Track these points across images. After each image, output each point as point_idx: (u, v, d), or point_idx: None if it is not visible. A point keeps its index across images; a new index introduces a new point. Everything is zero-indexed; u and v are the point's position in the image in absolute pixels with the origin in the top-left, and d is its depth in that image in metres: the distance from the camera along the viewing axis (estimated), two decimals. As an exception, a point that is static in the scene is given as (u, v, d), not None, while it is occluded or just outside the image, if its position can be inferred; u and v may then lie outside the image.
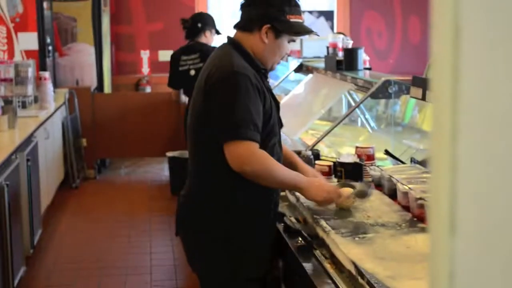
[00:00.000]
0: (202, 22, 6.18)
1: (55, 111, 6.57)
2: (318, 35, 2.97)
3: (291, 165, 2.80)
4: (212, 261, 2.66)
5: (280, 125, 2.76)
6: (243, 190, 2.60)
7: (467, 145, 0.68)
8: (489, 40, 0.68)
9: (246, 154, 2.46)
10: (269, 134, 2.61)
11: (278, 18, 2.62)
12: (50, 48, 7.29)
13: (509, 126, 0.68)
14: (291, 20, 2.64)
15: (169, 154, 7.03)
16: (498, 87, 0.68)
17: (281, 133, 2.80)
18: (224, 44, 2.74)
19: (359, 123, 4.82)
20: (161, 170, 8.12)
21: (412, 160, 3.29)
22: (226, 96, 2.51)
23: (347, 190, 2.72)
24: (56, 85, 7.55)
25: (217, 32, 6.24)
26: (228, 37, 2.74)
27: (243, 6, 2.71)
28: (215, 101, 2.53)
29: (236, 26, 2.73)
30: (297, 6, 2.68)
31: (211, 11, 8.80)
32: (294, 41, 2.74)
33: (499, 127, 0.68)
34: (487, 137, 0.69)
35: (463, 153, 0.68)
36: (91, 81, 8.10)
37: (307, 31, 2.73)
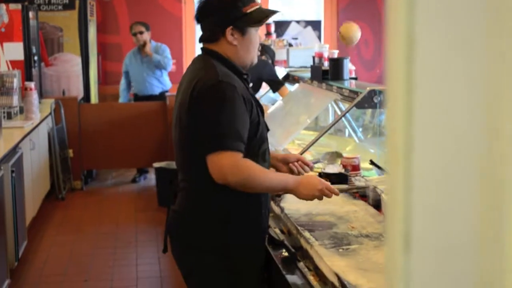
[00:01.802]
0: (263, 51, 6.06)
1: (41, 121, 6.52)
2: (279, 11, 2.86)
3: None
4: (211, 277, 2.58)
5: (267, 129, 2.70)
6: (238, 202, 2.53)
7: (421, 159, 0.67)
8: (443, 53, 0.67)
9: (228, 165, 2.40)
10: (258, 141, 2.56)
11: (236, 15, 2.56)
12: (36, 58, 7.25)
13: (463, 140, 0.66)
14: (248, 11, 2.57)
15: (156, 165, 7.00)
16: (452, 100, 0.67)
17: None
18: (201, 55, 2.67)
19: (347, 133, 4.81)
20: (148, 181, 8.08)
21: (398, 170, 3.27)
22: (211, 107, 2.45)
23: None
24: (42, 95, 7.51)
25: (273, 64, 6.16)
26: (203, 48, 2.67)
27: (198, 21, 2.65)
28: (200, 112, 2.47)
29: (202, 41, 2.67)
30: None
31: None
32: (261, 25, 2.66)
33: (452, 141, 0.67)
34: (441, 152, 0.67)
35: (417, 167, 0.66)
36: (78, 91, 8.06)
37: (268, 14, 2.65)
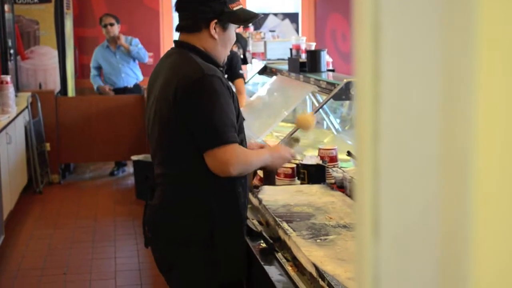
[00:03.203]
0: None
1: (18, 115, 6.48)
2: (261, 15, 2.88)
3: None
4: (194, 269, 2.58)
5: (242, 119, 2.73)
6: (217, 195, 2.54)
7: (388, 146, 0.68)
8: (409, 41, 0.68)
9: (231, 157, 2.44)
10: (237, 131, 2.56)
11: (222, 10, 2.57)
12: (11, 51, 7.20)
13: (427, 128, 0.68)
14: (234, 9, 2.59)
15: (134, 157, 6.98)
16: (416, 88, 0.68)
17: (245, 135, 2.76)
18: (176, 49, 2.66)
19: (325, 125, 4.83)
20: (126, 174, 8.06)
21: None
22: (203, 102, 2.45)
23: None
24: (18, 88, 7.45)
25: (244, 57, 6.16)
26: (177, 41, 2.66)
27: (180, 9, 2.64)
28: (191, 109, 2.46)
29: (181, 29, 2.65)
30: None
31: (175, 15, 8.78)
32: (240, 26, 2.68)
33: (419, 128, 0.68)
34: (407, 139, 0.68)
35: (384, 155, 0.67)
36: (55, 85, 8.01)
37: (254, 16, 2.68)
